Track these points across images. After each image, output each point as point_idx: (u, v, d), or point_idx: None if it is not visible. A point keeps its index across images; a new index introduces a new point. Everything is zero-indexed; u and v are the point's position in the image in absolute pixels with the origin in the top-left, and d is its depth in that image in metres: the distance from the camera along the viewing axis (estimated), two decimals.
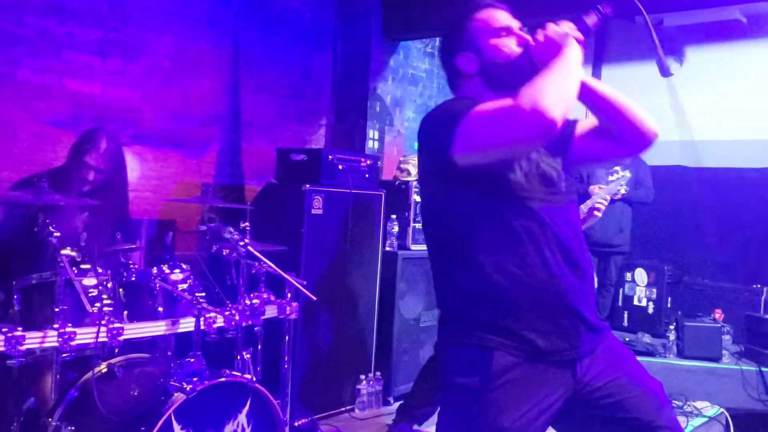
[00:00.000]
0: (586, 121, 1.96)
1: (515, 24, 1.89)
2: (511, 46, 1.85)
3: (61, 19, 3.67)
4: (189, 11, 4.24)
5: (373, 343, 4.36)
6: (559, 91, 1.60)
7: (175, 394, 2.45)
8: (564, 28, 1.78)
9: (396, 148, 5.40)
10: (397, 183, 4.66)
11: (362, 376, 4.24)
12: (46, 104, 3.62)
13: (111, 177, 3.29)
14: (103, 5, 3.84)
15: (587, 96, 1.85)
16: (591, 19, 1.82)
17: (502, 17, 1.88)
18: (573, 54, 1.73)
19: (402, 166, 5.04)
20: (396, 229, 4.50)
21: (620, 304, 5.39)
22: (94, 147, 3.18)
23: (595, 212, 3.09)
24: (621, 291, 5.38)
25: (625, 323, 5.35)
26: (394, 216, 4.49)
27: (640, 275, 5.32)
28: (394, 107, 5.36)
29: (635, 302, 5.33)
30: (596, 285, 4.92)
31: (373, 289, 4.36)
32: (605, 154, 1.98)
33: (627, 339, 4.91)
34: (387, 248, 4.44)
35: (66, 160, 3.26)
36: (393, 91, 5.33)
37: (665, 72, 1.93)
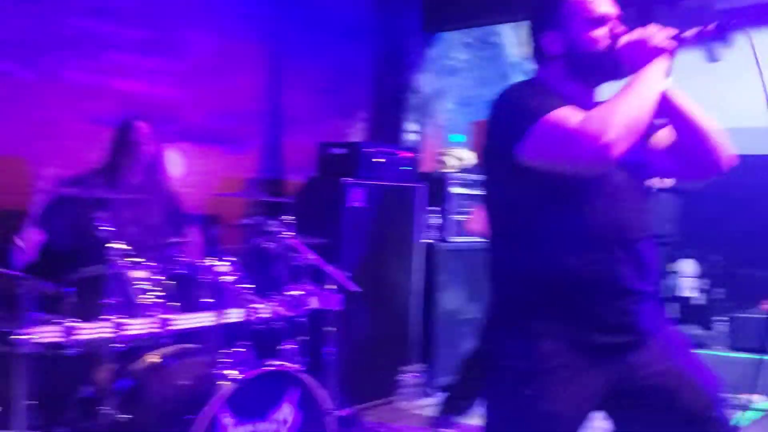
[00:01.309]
0: (663, 132, 1.87)
1: (613, 12, 1.77)
2: (603, 38, 1.75)
3: (104, 20, 3.76)
4: (229, 9, 4.31)
5: (415, 335, 4.38)
6: (628, 122, 1.55)
7: (224, 383, 2.51)
8: (658, 35, 1.69)
9: (435, 140, 5.40)
10: (436, 175, 4.66)
11: (404, 368, 4.26)
12: (92, 103, 3.72)
13: (154, 170, 3.38)
14: (146, 5, 3.93)
15: (667, 110, 1.76)
16: (690, 33, 1.69)
17: (601, 3, 1.77)
18: (657, 68, 1.66)
19: (441, 158, 5.03)
20: (436, 221, 4.51)
21: (666, 295, 5.30)
22: (134, 140, 3.28)
23: None
24: (667, 282, 5.29)
25: (672, 315, 5.26)
26: (433, 208, 4.50)
27: (688, 266, 5.22)
28: (433, 99, 5.36)
29: (682, 293, 5.23)
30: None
31: (413, 281, 4.38)
32: (673, 172, 1.92)
33: None
34: (427, 240, 4.45)
35: (110, 155, 3.35)
36: (431, 83, 5.32)
37: (714, 57, 1.86)
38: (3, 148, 3.43)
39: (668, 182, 4.32)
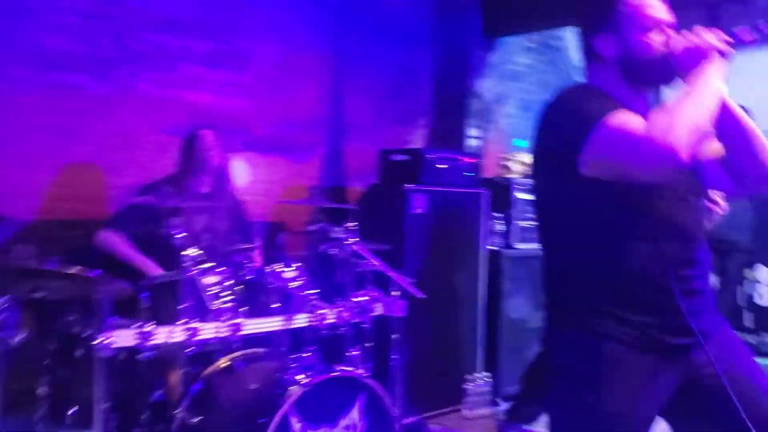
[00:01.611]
0: (713, 144, 1.82)
1: (668, 19, 1.76)
2: (658, 43, 1.73)
3: (175, 35, 3.89)
4: (292, 20, 4.39)
5: (480, 343, 4.34)
6: (691, 125, 1.53)
7: (292, 388, 2.53)
8: (712, 39, 1.66)
9: (497, 145, 5.35)
10: (500, 181, 4.61)
11: (469, 376, 4.22)
12: (164, 115, 3.85)
13: (221, 179, 3.46)
14: (214, 19, 4.04)
15: (720, 120, 1.71)
16: (746, 36, 1.66)
17: (657, 9, 1.76)
18: (714, 73, 1.63)
19: (504, 163, 4.99)
20: (500, 227, 4.46)
21: (741, 303, 5.10)
22: (201, 149, 3.38)
23: (714, 207, 2.94)
24: (742, 289, 5.09)
25: (747, 323, 5.05)
26: (497, 214, 4.45)
27: (763, 273, 5.01)
28: (494, 104, 5.32)
29: (758, 301, 5.02)
30: (714, 282, 4.69)
31: (477, 288, 4.33)
32: (723, 185, 1.88)
33: (750, 341, 4.64)
34: (491, 247, 4.40)
35: (179, 164, 3.45)
36: (493, 88, 5.29)
37: None
38: (79, 157, 3.57)
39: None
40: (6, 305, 2.67)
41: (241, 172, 3.98)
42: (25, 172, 3.39)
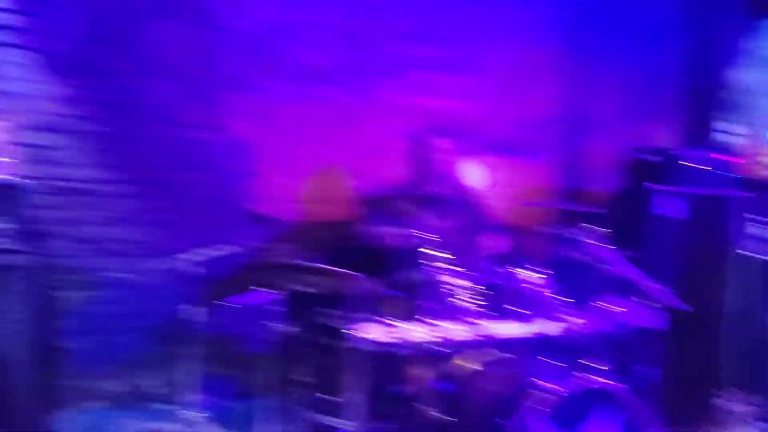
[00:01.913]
0: None
1: None
2: None
3: (411, 43, 4.04)
4: (526, 20, 4.33)
5: (738, 359, 3.91)
6: None
7: (542, 395, 2.47)
8: None
9: (757, 141, 4.79)
10: (761, 181, 4.13)
11: (724, 394, 3.83)
12: (403, 121, 4.00)
13: (459, 182, 3.51)
14: (447, 26, 4.13)
15: None
16: None
17: None
18: None
19: (765, 161, 4.46)
20: (763, 232, 3.99)
21: None
22: (437, 154, 3.44)
23: None
24: None
25: None
26: (761, 218, 3.98)
27: None
28: (753, 96, 4.78)
29: None
30: None
31: (735, 299, 3.92)
32: None
33: None
34: (752, 254, 3.96)
35: (417, 168, 3.55)
36: (753, 78, 4.75)
37: None
38: (331, 163, 3.84)
39: None
40: (275, 298, 2.95)
41: (478, 175, 4.00)
42: (286, 178, 3.74)
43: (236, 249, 3.12)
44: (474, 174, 3.76)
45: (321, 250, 3.36)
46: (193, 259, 2.93)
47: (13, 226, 2.77)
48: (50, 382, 3.08)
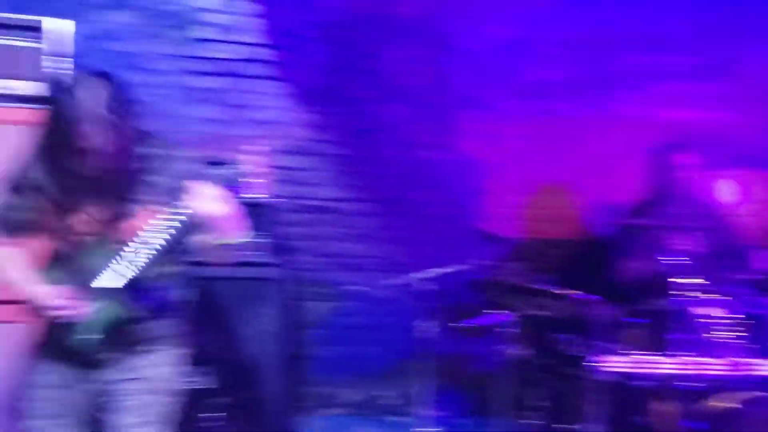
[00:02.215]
0: None
1: None
2: None
3: (653, 52, 3.79)
4: None
5: None
6: None
7: None
8: None
9: None
10: None
11: None
12: (639, 134, 3.76)
13: (703, 199, 3.21)
14: (698, 32, 3.82)
15: None
16: None
17: None
18: None
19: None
20: None
21: None
22: (679, 168, 3.15)
23: None
24: None
25: None
26: None
27: None
28: None
29: None
30: None
31: None
32: None
33: None
34: None
35: (657, 185, 3.29)
36: None
37: None
38: (559, 179, 3.74)
39: None
40: (509, 319, 2.92)
41: (728, 191, 3.64)
42: (513, 195, 3.70)
43: (468, 267, 3.13)
44: (723, 190, 3.43)
45: (553, 270, 3.27)
46: (427, 276, 2.99)
47: (267, 241, 3.02)
48: (296, 388, 3.33)
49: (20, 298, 1.81)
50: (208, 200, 1.66)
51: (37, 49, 2.41)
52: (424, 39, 3.70)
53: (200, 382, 2.79)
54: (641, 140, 3.76)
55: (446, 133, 3.72)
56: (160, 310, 1.82)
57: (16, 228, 1.79)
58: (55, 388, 1.79)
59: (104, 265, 1.71)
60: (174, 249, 1.75)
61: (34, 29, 2.42)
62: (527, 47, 3.75)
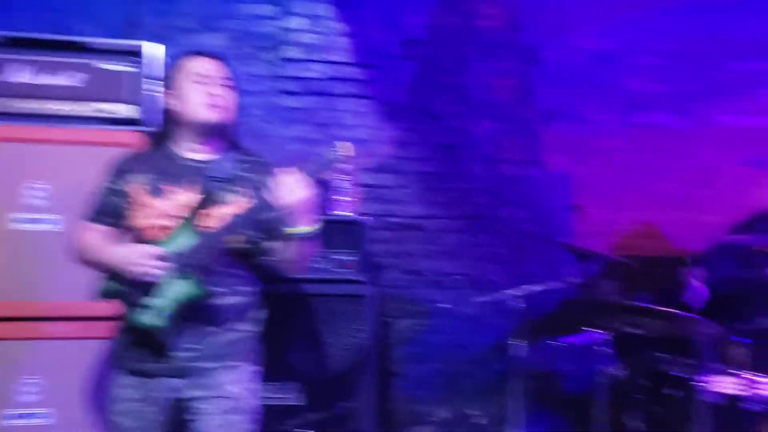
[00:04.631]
0: None
1: None
2: None
3: (757, 60, 3.62)
4: None
5: None
6: None
7: None
8: None
9: None
10: None
11: None
12: (747, 146, 3.59)
13: None
14: None
15: None
16: None
17: None
18: None
19: None
20: None
21: None
22: None
23: None
24: None
25: None
26: None
27: None
28: None
29: None
30: None
31: None
32: None
33: None
34: None
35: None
36: None
37: None
38: (661, 194, 3.58)
39: None
40: (604, 338, 2.80)
41: None
42: (608, 211, 3.56)
43: (560, 285, 3.04)
44: None
45: (651, 288, 3.12)
46: (517, 293, 2.92)
47: (355, 258, 3.03)
48: (387, 406, 3.30)
49: (107, 312, 1.87)
50: (289, 185, 1.70)
51: (137, 73, 2.52)
52: (511, 52, 3.64)
53: (290, 398, 2.81)
54: (748, 152, 3.60)
55: (534, 148, 3.63)
56: (239, 296, 1.86)
57: (109, 215, 1.88)
58: (135, 402, 1.82)
59: (188, 247, 1.77)
60: (254, 235, 1.82)
61: (134, 54, 2.53)
62: (621, 58, 3.63)
